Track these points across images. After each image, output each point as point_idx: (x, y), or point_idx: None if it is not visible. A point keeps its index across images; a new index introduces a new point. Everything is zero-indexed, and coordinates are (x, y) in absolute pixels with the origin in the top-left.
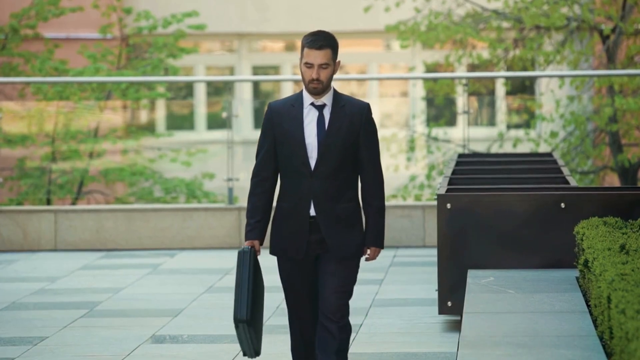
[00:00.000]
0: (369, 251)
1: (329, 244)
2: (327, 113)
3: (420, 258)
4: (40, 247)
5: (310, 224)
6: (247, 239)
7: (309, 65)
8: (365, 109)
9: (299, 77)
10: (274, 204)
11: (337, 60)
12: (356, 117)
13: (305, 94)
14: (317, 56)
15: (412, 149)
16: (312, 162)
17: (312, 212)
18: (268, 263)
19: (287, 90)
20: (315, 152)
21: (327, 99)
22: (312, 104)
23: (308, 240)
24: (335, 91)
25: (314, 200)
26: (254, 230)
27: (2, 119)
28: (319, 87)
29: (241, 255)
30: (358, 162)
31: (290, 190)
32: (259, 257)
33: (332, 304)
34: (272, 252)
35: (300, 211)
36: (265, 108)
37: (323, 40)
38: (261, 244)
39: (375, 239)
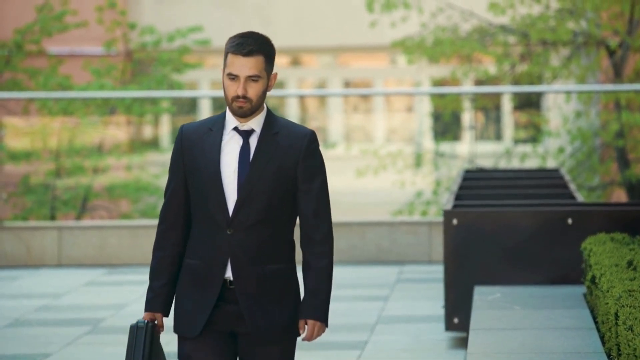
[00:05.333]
0: (306, 326)
1: (249, 322)
2: (254, 142)
3: (426, 274)
4: (44, 263)
5: (225, 290)
6: (147, 309)
7: (233, 77)
8: (307, 137)
9: (306, 92)
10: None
11: (272, 73)
12: (293, 148)
13: (229, 116)
14: (244, 65)
15: (418, 164)
16: (231, 207)
17: (229, 274)
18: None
19: (292, 106)
20: (235, 195)
21: (255, 123)
22: (235, 128)
23: (218, 312)
24: (269, 113)
25: (232, 259)
26: (157, 299)
27: (6, 135)
28: (245, 107)
29: (133, 332)
30: (296, 209)
31: (201, 243)
32: (161, 335)
33: None
34: (174, 329)
35: (211, 273)
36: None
37: (253, 44)
38: (166, 315)
39: (314, 309)
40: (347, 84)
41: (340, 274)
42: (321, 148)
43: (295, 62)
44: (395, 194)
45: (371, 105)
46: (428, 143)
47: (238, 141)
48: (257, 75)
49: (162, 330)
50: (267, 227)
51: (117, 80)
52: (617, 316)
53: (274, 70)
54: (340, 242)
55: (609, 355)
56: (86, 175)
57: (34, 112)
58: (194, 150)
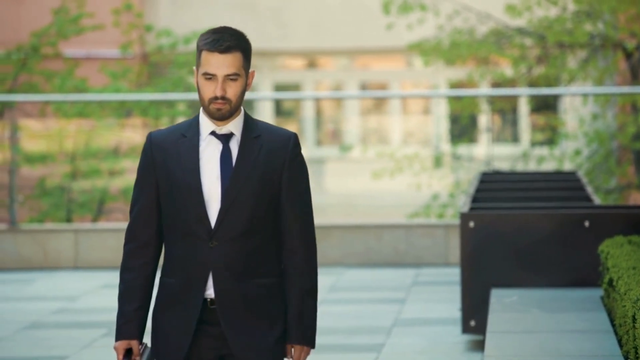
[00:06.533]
0: (293, 350)
1: (231, 343)
2: (234, 146)
3: (443, 277)
4: (61, 265)
5: (207, 311)
6: (119, 337)
7: (210, 77)
8: (291, 140)
9: (322, 94)
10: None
11: (250, 71)
12: (277, 153)
13: (204, 119)
14: (222, 63)
15: (437, 165)
16: (213, 219)
17: (210, 292)
18: None
19: (308, 109)
20: (218, 204)
21: (235, 126)
22: (213, 133)
23: (200, 336)
24: (247, 115)
25: (213, 275)
26: (131, 324)
27: (22, 137)
28: (224, 109)
29: None
30: (279, 219)
31: (179, 259)
32: None
33: None
34: (153, 355)
35: (191, 291)
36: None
37: (230, 40)
38: (141, 341)
39: (302, 334)
40: (364, 87)
41: (356, 276)
42: (337, 150)
43: (312, 65)
44: (412, 197)
45: (388, 107)
46: (445, 145)
47: (217, 146)
48: (236, 74)
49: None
50: (253, 238)
51: (133, 83)
52: (634, 319)
53: (252, 68)
54: (357, 245)
55: (626, 359)
56: (102, 177)
57: (50, 114)
58: (168, 159)
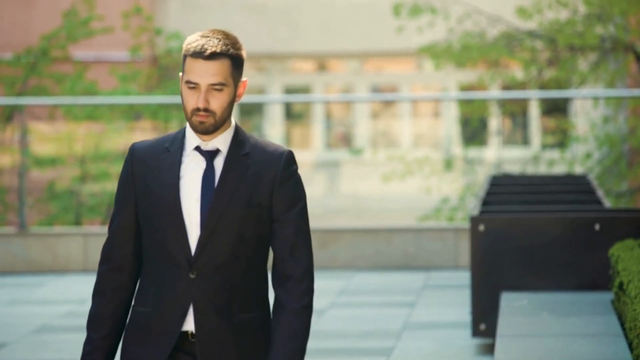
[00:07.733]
0: None
1: None
2: (219, 165)
3: (453, 280)
4: (70, 269)
5: (185, 342)
6: None
7: (193, 86)
8: (283, 157)
9: (332, 97)
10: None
11: (241, 80)
12: (268, 172)
13: (190, 133)
14: (206, 71)
15: (448, 167)
16: (193, 245)
17: (189, 326)
18: None
19: (318, 112)
20: (198, 228)
21: (222, 142)
22: (197, 148)
23: None
24: (238, 130)
25: (194, 309)
26: (96, 353)
27: (32, 140)
28: (207, 123)
29: None
30: (270, 245)
31: (154, 287)
32: None
33: None
34: None
35: (166, 324)
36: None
37: (217, 45)
38: None
39: (291, 355)
40: (374, 89)
41: (366, 279)
42: (347, 153)
43: (322, 67)
44: (422, 200)
45: (398, 110)
46: (455, 148)
47: (200, 163)
48: (222, 83)
49: None
50: (238, 268)
51: (143, 86)
52: None
53: (244, 77)
54: (367, 248)
55: None
56: (112, 181)
57: (59, 117)
58: (147, 174)
